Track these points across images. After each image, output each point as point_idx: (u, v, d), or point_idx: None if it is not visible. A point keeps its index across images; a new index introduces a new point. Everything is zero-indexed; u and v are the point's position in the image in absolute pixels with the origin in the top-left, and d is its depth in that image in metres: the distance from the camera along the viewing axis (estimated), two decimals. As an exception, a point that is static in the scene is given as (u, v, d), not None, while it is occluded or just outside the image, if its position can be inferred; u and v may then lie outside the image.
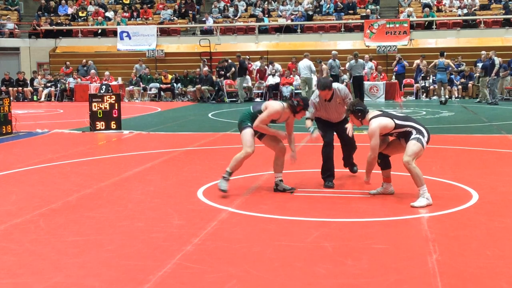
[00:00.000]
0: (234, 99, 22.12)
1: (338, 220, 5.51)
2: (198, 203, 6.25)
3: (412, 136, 6.03)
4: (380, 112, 6.26)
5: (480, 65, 21.91)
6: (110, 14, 28.68)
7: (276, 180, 6.80)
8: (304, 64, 19.67)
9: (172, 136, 12.15)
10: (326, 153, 7.24)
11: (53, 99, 23.89)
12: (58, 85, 24.03)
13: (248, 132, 6.57)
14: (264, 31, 26.27)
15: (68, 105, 21.88)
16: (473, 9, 25.35)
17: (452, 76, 22.01)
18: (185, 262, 4.36)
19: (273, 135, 6.69)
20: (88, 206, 6.13)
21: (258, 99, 22.51)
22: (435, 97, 21.82)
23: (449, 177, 7.39)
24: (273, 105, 6.56)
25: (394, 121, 6.06)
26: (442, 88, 20.28)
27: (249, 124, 6.59)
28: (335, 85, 7.22)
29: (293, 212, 5.80)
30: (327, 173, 7.21)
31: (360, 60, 20.03)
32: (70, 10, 29.24)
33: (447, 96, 20.11)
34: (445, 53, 20.28)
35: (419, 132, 6.04)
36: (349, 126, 6.84)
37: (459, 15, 25.26)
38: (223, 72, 22.63)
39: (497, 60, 19.19)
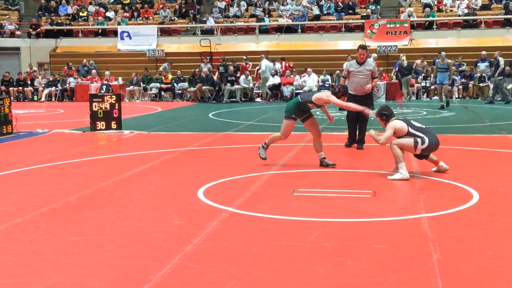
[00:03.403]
0: (234, 99, 22.13)
1: (338, 220, 5.50)
2: (199, 203, 6.24)
3: (416, 138, 7.31)
4: (402, 119, 7.60)
5: (481, 65, 21.95)
6: (110, 14, 28.69)
7: (320, 158, 8.15)
8: (267, 64, 22.03)
9: (172, 136, 12.15)
10: (348, 120, 10.15)
11: (53, 99, 23.90)
12: (59, 85, 24.04)
13: (287, 123, 8.10)
14: (264, 31, 26.28)
15: (69, 105, 21.89)
16: (473, 9, 25.34)
17: (453, 76, 21.99)
18: (185, 262, 4.36)
19: (315, 121, 8.23)
20: (89, 206, 6.13)
21: (258, 99, 22.50)
22: (436, 97, 21.81)
23: (449, 177, 7.39)
24: (327, 92, 8.17)
25: (408, 128, 7.34)
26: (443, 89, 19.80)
27: (292, 115, 8.05)
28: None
29: (293, 212, 5.80)
30: (349, 137, 10.07)
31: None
32: (70, 10, 29.26)
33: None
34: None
35: (422, 139, 7.27)
36: (368, 85, 9.91)
37: (460, 15, 25.26)
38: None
39: (502, 61, 19.19)
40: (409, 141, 7.29)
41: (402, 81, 21.37)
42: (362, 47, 10.25)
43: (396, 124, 7.39)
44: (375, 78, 10.17)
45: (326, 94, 8.02)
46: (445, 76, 17.72)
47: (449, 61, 18.16)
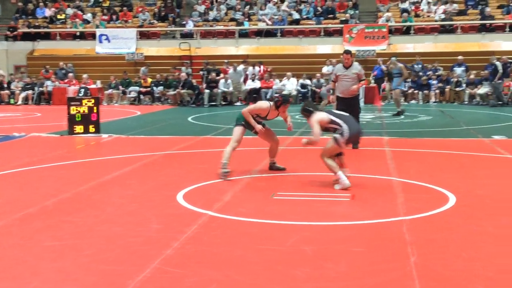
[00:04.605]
0: (214, 103, 22.10)
1: (317, 223, 5.53)
2: (178, 207, 6.23)
3: (333, 135, 7.20)
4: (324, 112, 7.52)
5: (457, 69, 22.23)
6: (88, 16, 28.48)
7: (270, 163, 8.24)
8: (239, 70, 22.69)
9: (151, 139, 12.09)
10: None
11: (30, 102, 23.62)
12: (36, 88, 23.77)
13: (238, 129, 7.95)
14: (244, 35, 26.30)
15: (46, 109, 21.67)
16: (450, 14, 25.66)
17: (430, 81, 22.23)
18: (164, 266, 4.34)
19: (268, 131, 8.14)
20: (66, 211, 6.08)
21: (239, 103, 22.49)
22: (413, 101, 22.01)
23: (426, 180, 7.46)
24: (261, 102, 8.20)
25: (329, 116, 7.26)
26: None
27: (242, 122, 7.95)
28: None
29: (273, 215, 5.81)
30: None
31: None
32: (48, 13, 28.96)
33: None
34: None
35: (341, 131, 7.13)
36: (355, 86, 10.32)
37: (436, 21, 25.56)
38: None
39: (500, 65, 19.60)
40: (331, 143, 7.16)
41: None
42: (347, 52, 10.71)
43: (318, 116, 7.27)
44: (362, 80, 10.61)
45: (259, 103, 8.16)
46: (399, 82, 17.01)
47: (401, 65, 17.39)
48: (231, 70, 22.69)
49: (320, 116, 7.28)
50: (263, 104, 8.09)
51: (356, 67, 10.60)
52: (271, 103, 7.99)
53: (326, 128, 7.27)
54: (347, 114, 7.46)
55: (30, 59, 26.83)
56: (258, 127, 7.93)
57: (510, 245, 4.83)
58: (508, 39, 23.96)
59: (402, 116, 16.45)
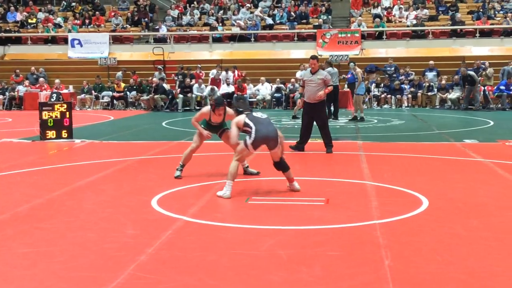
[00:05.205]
0: (188, 108, 22.04)
1: (292, 228, 5.55)
2: (152, 212, 6.19)
3: (245, 138, 7.04)
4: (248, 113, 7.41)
5: (428, 74, 22.54)
6: (60, 21, 28.16)
7: (243, 167, 8.23)
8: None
9: (125, 145, 12.00)
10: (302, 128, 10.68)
11: (1, 107, 23.26)
12: (6, 93, 23.42)
13: (196, 134, 8.31)
14: (218, 39, 26.31)
15: (17, 114, 21.36)
16: (421, 20, 26.04)
17: (402, 85, 22.50)
18: (139, 272, 4.31)
19: (227, 134, 8.02)
20: (39, 217, 6.00)
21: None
22: (386, 106, 22.24)
23: (400, 184, 7.54)
24: (203, 108, 8.39)
25: (245, 120, 7.11)
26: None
27: (203, 127, 8.22)
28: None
29: (247, 220, 5.81)
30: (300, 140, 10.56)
31: (332, 69, 16.77)
32: (19, 17, 28.59)
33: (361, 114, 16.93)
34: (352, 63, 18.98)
35: (249, 135, 7.00)
36: (321, 92, 10.26)
37: (408, 26, 25.91)
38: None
39: (475, 75, 20.20)
40: (241, 146, 7.04)
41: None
42: (313, 57, 10.69)
43: (237, 118, 7.24)
44: (329, 86, 10.52)
45: (202, 109, 8.34)
46: (359, 87, 17.02)
47: (358, 69, 17.52)
48: (208, 91, 22.53)
49: (239, 118, 7.26)
50: (204, 109, 8.28)
51: (322, 73, 10.54)
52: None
53: (244, 131, 7.13)
54: (265, 117, 7.23)
55: (0, 64, 26.45)
56: (205, 132, 8.13)
57: (482, 248, 4.91)
58: (478, 44, 24.43)
59: (368, 122, 16.63)
